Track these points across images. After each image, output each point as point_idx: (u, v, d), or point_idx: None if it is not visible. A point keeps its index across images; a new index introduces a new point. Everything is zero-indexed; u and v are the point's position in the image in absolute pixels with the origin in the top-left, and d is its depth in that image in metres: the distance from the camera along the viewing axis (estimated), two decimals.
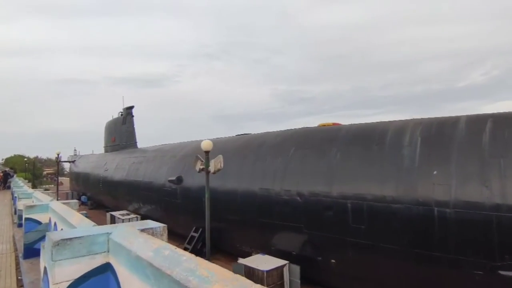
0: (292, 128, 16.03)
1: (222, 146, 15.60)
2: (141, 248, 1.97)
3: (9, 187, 35.86)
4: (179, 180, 18.46)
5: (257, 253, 13.26)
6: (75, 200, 7.27)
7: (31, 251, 6.33)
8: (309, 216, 11.61)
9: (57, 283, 2.28)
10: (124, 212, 23.87)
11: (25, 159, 65.73)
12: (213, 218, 16.34)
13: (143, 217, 22.21)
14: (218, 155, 11.22)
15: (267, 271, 11.02)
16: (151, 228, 2.74)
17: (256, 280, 11.20)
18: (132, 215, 22.47)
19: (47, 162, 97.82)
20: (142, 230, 2.55)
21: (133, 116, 34.36)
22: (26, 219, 6.44)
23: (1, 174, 50.37)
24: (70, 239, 2.32)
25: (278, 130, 16.86)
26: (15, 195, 15.30)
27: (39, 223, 6.44)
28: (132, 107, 34.11)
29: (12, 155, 78.67)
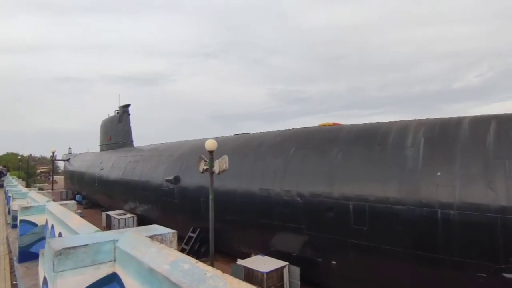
0: (290, 128, 15.91)
1: (220, 146, 15.40)
2: (155, 259, 1.77)
3: (1, 186, 35.34)
4: (176, 179, 18.23)
5: (256, 254, 13.11)
6: (73, 201, 7.01)
7: (27, 255, 6.09)
8: (310, 217, 11.47)
9: None
10: (120, 211, 23.57)
11: (19, 157, 64.83)
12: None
13: (140, 217, 21.96)
14: (223, 155, 10.91)
15: (267, 273, 10.87)
16: (160, 235, 2.53)
17: (256, 282, 11.04)
18: (129, 215, 22.20)
19: (41, 161, 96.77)
20: (150, 237, 2.36)
21: (129, 114, 34.01)
22: (22, 220, 6.18)
23: None
24: (74, 247, 2.11)
25: (276, 130, 16.73)
26: (9, 194, 14.96)
27: (35, 225, 6.19)
28: (128, 105, 33.75)
29: (5, 153, 77.61)
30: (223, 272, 1.71)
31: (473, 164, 8.53)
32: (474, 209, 8.16)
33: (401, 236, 9.21)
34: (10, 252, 8.33)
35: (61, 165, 60.60)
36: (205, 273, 1.50)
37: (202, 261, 1.85)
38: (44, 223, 6.15)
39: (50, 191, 29.47)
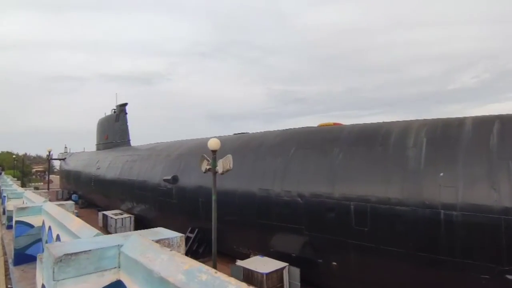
0: (287, 128, 15.79)
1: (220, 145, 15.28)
2: (167, 268, 1.62)
3: None
4: (174, 179, 18.06)
5: (255, 254, 12.97)
6: (71, 202, 6.83)
7: (23, 257, 5.89)
8: (310, 218, 11.36)
9: None
10: (117, 211, 23.34)
11: (14, 156, 64.14)
12: (210, 219, 15.99)
13: (137, 217, 21.75)
14: (227, 154, 10.66)
15: (267, 274, 10.75)
16: (167, 239, 2.37)
17: (255, 283, 10.91)
18: (126, 215, 21.98)
19: (36, 160, 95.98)
20: (157, 241, 2.21)
21: (126, 113, 33.72)
22: (17, 222, 5.98)
23: None
24: (76, 253, 1.96)
25: (273, 130, 16.60)
26: (4, 194, 14.68)
27: (31, 226, 6.00)
28: (125, 104, 33.47)
29: (0, 152, 76.76)
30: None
31: (476, 165, 8.45)
32: (477, 210, 8.09)
33: (403, 237, 9.12)
34: (5, 254, 8.10)
35: (57, 164, 60.14)
36: (228, 285, 1.35)
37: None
38: (40, 224, 5.96)
39: (46, 190, 29.14)
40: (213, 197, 10.80)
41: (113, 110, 34.52)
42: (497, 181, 8.01)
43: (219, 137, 19.47)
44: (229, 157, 10.39)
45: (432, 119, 10.80)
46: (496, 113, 9.58)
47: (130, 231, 21.02)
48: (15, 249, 6.16)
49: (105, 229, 21.91)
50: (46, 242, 5.00)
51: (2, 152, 76.73)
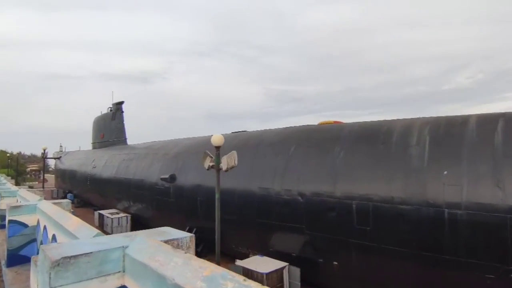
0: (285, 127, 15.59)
1: None
2: (183, 273, 1.38)
3: None
4: (172, 178, 17.82)
5: (254, 254, 12.79)
6: (67, 200, 6.57)
7: (16, 258, 5.61)
8: (311, 217, 11.19)
9: None
10: (113, 210, 23.05)
11: (8, 154, 63.29)
12: (209, 218, 15.77)
13: (134, 216, 21.47)
14: (232, 151, 10.27)
15: (267, 274, 10.59)
16: (176, 239, 2.14)
17: None
18: (122, 214, 21.72)
19: (31, 158, 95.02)
20: (165, 242, 2.00)
21: (123, 112, 33.34)
22: (10, 221, 5.71)
23: None
24: (75, 256, 1.73)
25: (271, 128, 16.40)
26: None
27: (25, 225, 5.73)
28: (122, 103, 33.08)
29: None
30: None
31: (481, 163, 8.33)
32: (482, 209, 7.97)
33: (406, 236, 8.98)
34: None
35: (52, 163, 59.43)
36: None
37: None
38: (35, 223, 5.70)
39: (41, 189, 28.72)
40: (217, 196, 10.43)
41: (110, 109, 34.12)
42: (502, 179, 7.89)
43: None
44: (234, 153, 10.00)
45: (435, 117, 10.67)
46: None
47: (127, 230, 20.85)
48: (8, 250, 5.90)
49: (101, 228, 21.60)
50: (41, 243, 4.77)
51: None
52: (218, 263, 10.22)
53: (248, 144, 15.20)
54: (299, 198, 11.54)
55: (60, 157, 44.03)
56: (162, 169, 19.28)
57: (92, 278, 1.83)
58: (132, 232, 2.39)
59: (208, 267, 1.44)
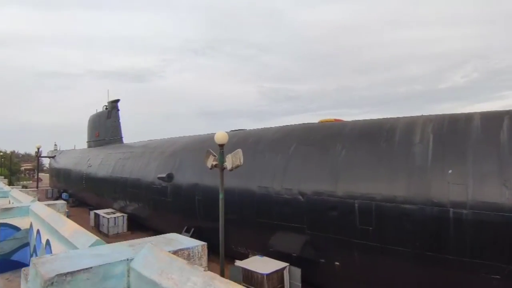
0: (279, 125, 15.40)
1: None
2: None
3: None
4: (169, 177, 17.53)
5: (254, 254, 12.59)
6: (62, 202, 6.29)
7: (8, 264, 5.32)
8: (312, 216, 11.00)
9: None
10: (109, 210, 22.72)
11: (1, 153, 62.39)
12: (207, 217, 15.59)
13: (130, 216, 21.16)
14: (237, 149, 9.89)
15: (267, 274, 10.40)
16: (187, 249, 1.89)
17: (255, 284, 10.53)
18: (118, 214, 21.41)
19: (25, 157, 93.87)
20: (174, 252, 1.76)
21: (118, 110, 32.90)
22: (1, 224, 5.41)
23: None
24: (71, 273, 1.48)
25: (269, 127, 16.19)
26: None
27: (17, 229, 5.44)
28: (118, 101, 32.63)
29: None
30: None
31: (487, 161, 8.19)
32: (488, 208, 7.83)
33: (410, 236, 8.83)
34: None
35: (46, 162, 58.65)
36: None
37: None
38: (28, 226, 5.41)
39: (35, 189, 28.25)
40: (220, 196, 10.08)
41: (105, 107, 33.65)
42: (508, 178, 7.75)
43: (213, 134, 18.95)
44: (239, 151, 9.62)
45: (437, 114, 10.51)
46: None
47: (123, 231, 20.51)
48: None
49: (97, 228, 21.28)
50: (34, 248, 4.49)
51: None
52: (222, 270, 9.83)
53: (247, 143, 14.96)
54: (300, 197, 11.35)
55: (55, 156, 43.41)
56: (159, 168, 18.98)
57: None
58: (136, 240, 2.13)
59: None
